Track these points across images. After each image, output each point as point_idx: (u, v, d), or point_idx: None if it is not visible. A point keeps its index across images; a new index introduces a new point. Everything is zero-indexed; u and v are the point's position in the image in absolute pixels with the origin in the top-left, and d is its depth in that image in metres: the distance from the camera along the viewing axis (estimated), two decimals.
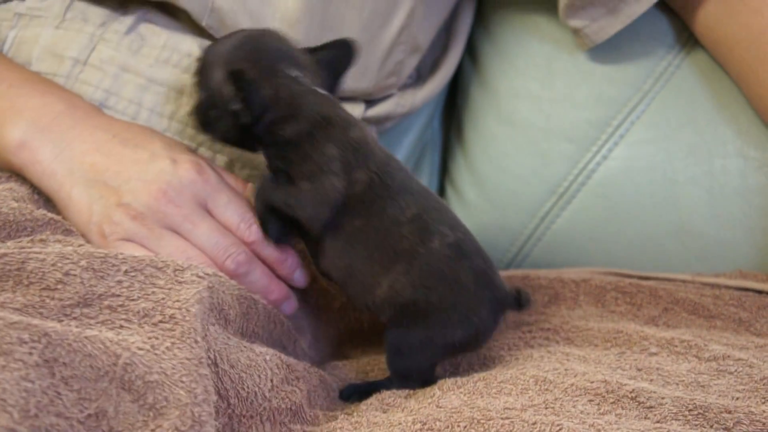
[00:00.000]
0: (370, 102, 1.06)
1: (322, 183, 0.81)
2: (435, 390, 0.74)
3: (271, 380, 0.72)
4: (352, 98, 1.03)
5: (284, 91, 0.83)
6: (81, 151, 0.85)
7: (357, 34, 0.95)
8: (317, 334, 0.93)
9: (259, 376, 0.71)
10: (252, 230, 0.85)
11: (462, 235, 0.83)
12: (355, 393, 0.81)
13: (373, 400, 0.77)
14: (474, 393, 0.72)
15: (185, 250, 0.82)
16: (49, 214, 0.82)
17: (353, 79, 0.97)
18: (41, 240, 0.77)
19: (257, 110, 0.82)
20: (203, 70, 0.86)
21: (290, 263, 0.88)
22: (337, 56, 0.88)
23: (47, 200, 0.86)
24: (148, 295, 0.69)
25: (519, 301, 0.82)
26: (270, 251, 0.86)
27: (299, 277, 0.89)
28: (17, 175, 0.88)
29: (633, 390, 0.67)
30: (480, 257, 0.82)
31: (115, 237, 0.82)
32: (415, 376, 0.81)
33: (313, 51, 0.88)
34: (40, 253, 0.68)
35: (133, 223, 0.82)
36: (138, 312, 0.67)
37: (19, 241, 0.77)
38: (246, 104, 0.82)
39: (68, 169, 0.84)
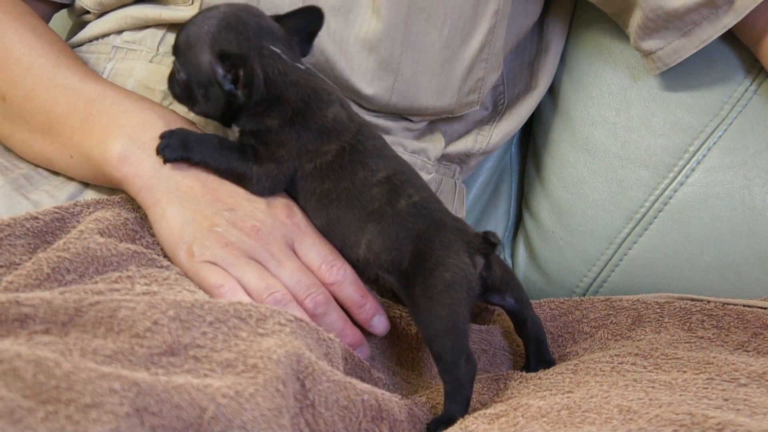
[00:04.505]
0: (450, 135, 1.07)
1: (287, 168, 0.87)
2: (519, 418, 0.74)
3: (360, 423, 0.73)
4: (433, 121, 1.04)
5: (271, 71, 0.87)
6: (180, 173, 0.88)
7: (438, 52, 0.97)
8: (387, 362, 0.93)
9: (351, 419, 0.72)
10: (332, 272, 0.87)
11: (427, 194, 0.87)
12: (441, 425, 0.81)
13: (456, 428, 0.77)
14: (557, 422, 0.72)
15: (265, 279, 0.84)
16: (132, 247, 0.84)
17: (433, 97, 0.99)
18: (128, 276, 0.80)
19: (257, 94, 0.86)
20: (186, 49, 0.88)
21: (369, 308, 0.89)
22: (307, 22, 0.92)
23: (135, 218, 0.89)
24: (231, 346, 0.70)
25: (487, 240, 0.84)
26: (349, 293, 0.88)
27: (378, 323, 0.90)
28: (103, 200, 0.91)
29: (719, 423, 0.67)
30: (441, 211, 0.87)
31: (202, 259, 0.84)
32: (452, 346, 0.81)
33: (281, 19, 0.91)
34: (130, 301, 0.70)
35: (222, 249, 0.84)
36: (221, 362, 0.68)
37: (107, 277, 0.80)
38: (245, 87, 0.85)
39: (166, 187, 0.87)
